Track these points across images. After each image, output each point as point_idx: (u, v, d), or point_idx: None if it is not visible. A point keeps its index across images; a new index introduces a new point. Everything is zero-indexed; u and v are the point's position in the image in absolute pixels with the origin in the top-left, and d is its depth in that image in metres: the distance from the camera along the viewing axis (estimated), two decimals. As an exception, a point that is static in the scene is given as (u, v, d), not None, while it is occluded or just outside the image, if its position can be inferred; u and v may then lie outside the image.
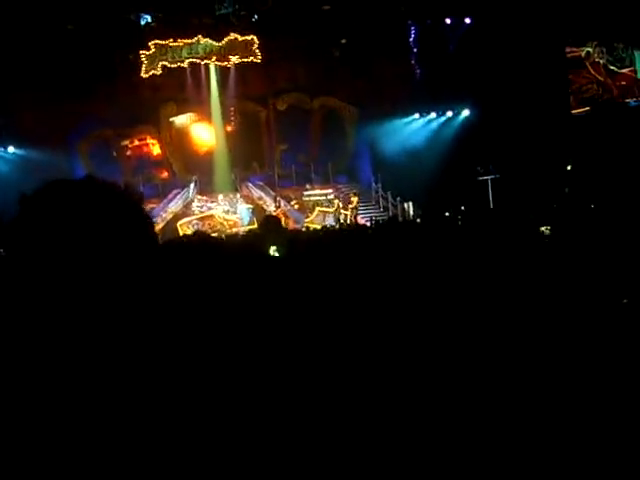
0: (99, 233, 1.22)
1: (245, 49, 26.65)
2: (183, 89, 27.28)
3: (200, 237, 2.08)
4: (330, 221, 24.34)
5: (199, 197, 26.86)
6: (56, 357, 1.18)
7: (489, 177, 23.91)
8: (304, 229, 20.45)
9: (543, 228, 5.63)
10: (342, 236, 6.49)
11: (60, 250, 1.19)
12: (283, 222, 22.74)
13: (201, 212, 26.43)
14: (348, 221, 23.80)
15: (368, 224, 19.31)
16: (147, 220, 1.37)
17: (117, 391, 1.21)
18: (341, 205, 25.73)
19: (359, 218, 24.69)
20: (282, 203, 25.63)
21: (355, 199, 25.73)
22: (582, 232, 4.81)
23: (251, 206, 26.38)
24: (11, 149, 25.74)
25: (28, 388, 1.17)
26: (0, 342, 1.21)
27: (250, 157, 27.88)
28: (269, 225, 6.19)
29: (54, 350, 1.18)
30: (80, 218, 1.22)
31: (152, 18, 26.41)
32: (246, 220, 25.41)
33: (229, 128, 28.27)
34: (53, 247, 1.18)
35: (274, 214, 23.08)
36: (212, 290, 1.69)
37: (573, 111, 26.22)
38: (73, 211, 1.22)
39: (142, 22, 26.47)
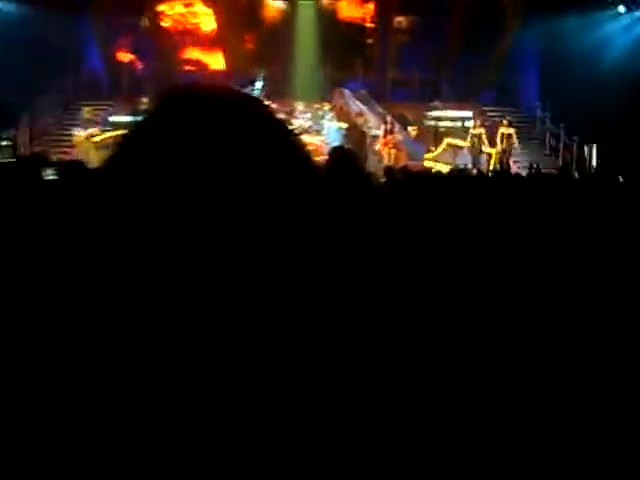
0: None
1: None
2: None
3: None
4: (465, 161, 19.37)
5: (267, 103, 20.74)
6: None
7: None
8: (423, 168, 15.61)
9: None
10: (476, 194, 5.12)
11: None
12: (391, 158, 19.27)
13: (267, 127, 21.21)
14: (492, 166, 19.23)
15: (524, 173, 15.29)
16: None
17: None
18: (485, 138, 20.43)
19: (511, 162, 19.84)
20: (395, 127, 20.13)
21: (508, 131, 20.23)
22: None
23: (345, 125, 21.18)
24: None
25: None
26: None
27: (351, 51, 23.06)
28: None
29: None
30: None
31: None
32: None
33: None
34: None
35: (378, 144, 19.88)
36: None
37: None
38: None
39: None
